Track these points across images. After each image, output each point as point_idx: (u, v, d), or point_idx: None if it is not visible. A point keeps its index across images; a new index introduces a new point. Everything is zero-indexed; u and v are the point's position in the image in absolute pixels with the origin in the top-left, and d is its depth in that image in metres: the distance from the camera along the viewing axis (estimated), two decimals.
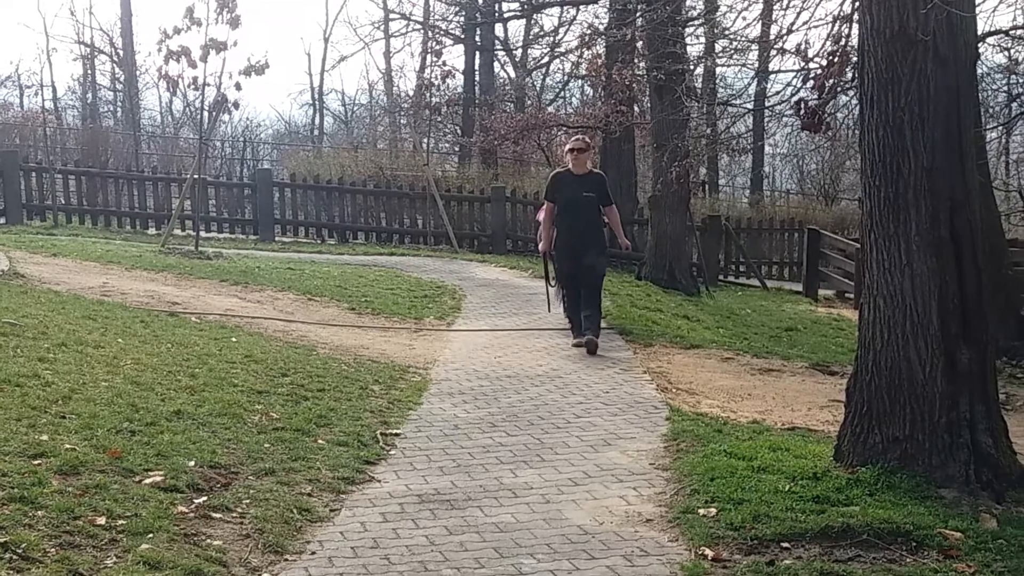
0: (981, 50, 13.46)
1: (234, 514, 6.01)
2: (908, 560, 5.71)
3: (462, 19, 32.32)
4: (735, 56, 16.55)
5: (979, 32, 11.41)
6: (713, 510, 6.32)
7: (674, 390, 10.17)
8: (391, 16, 38.22)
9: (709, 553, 5.72)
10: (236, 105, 18.52)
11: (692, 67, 16.55)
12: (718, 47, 18.08)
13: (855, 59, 7.73)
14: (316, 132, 46.47)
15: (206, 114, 21.16)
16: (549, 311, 13.41)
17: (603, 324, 12.39)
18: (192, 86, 18.15)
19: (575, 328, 12.01)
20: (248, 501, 6.20)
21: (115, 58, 44.16)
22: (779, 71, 13.46)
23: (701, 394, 10.20)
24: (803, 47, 10.30)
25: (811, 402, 10.18)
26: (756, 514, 6.16)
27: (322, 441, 7.53)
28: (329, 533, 5.98)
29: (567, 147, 12.52)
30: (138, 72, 43.07)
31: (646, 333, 13.09)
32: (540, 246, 12.85)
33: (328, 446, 7.43)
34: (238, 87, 17.71)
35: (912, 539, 5.91)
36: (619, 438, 8.15)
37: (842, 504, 6.33)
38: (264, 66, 17.46)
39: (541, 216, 12.73)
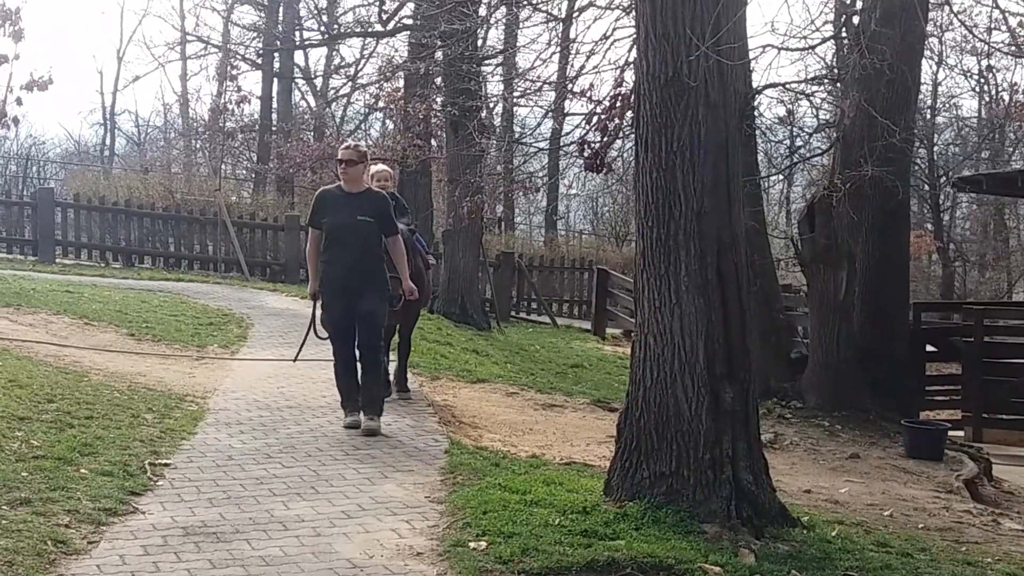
0: (763, 104, 14.05)
1: None
2: None
3: (260, 45, 31.92)
4: (530, 96, 16.80)
5: (757, 85, 11.89)
6: (484, 543, 6.33)
7: (457, 423, 10.18)
8: (188, 38, 37.47)
9: None
10: (16, 121, 17.73)
11: (488, 104, 16.73)
12: (515, 86, 18.36)
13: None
14: (107, 153, 45.02)
15: None
16: (294, 360, 10.72)
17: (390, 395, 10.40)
18: None
19: (346, 403, 9.48)
20: None
21: None
22: (570, 113, 13.73)
23: (483, 428, 10.25)
24: (589, 90, 10.55)
25: (590, 437, 10.35)
26: (525, 547, 6.20)
27: (85, 471, 7.23)
28: (84, 566, 5.73)
29: (337, 157, 9.59)
30: None
31: (433, 366, 13.09)
32: (309, 287, 9.74)
33: (91, 476, 7.13)
34: (19, 102, 16.99)
35: (674, 572, 6.05)
36: (397, 471, 8.10)
37: (609, 538, 6.43)
38: (48, 82, 16.77)
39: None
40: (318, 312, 9.50)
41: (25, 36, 16.19)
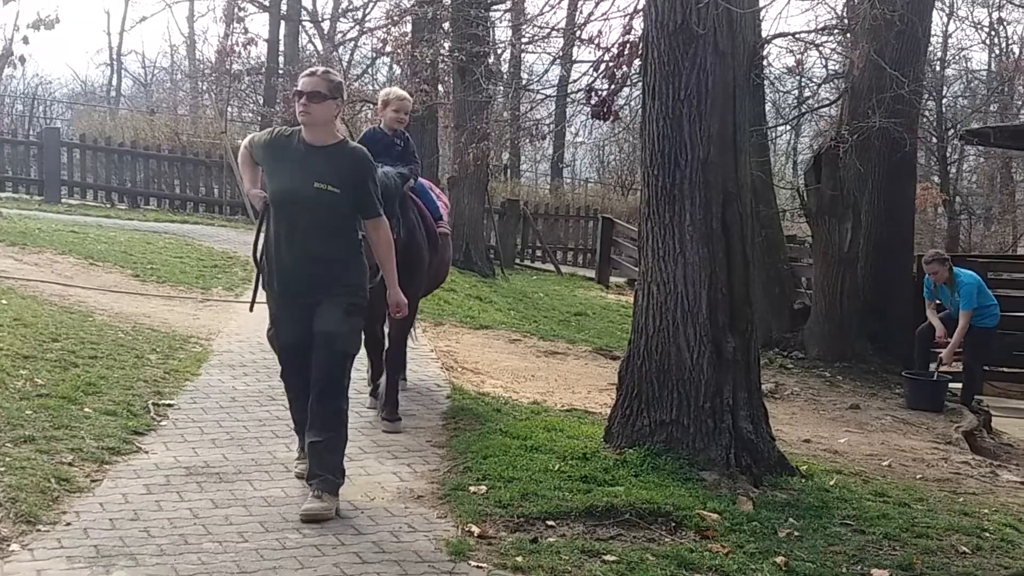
0: (772, 54, 13.98)
1: None
2: (667, 539, 5.89)
3: None
4: (538, 42, 16.70)
5: (766, 35, 11.83)
6: (484, 488, 6.37)
7: (459, 369, 10.23)
8: None
9: (476, 530, 5.76)
10: (23, 60, 17.67)
11: (496, 50, 16.65)
12: (523, 32, 18.24)
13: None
14: (113, 94, 44.83)
15: None
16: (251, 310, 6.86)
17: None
18: None
19: (301, 436, 6.46)
20: (2, 469, 5.94)
21: None
22: (577, 60, 13.65)
23: (486, 374, 10.30)
24: (597, 37, 10.49)
25: (592, 385, 10.41)
26: (525, 492, 6.24)
27: (89, 410, 7.27)
28: (88, 504, 5.78)
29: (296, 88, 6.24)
30: None
31: (437, 312, 13.12)
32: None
33: (95, 415, 7.17)
34: (25, 41, 16.92)
35: (672, 519, 6.09)
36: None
37: (608, 484, 6.48)
38: (54, 20, 16.68)
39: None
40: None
41: None
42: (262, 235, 6.24)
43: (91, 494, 5.95)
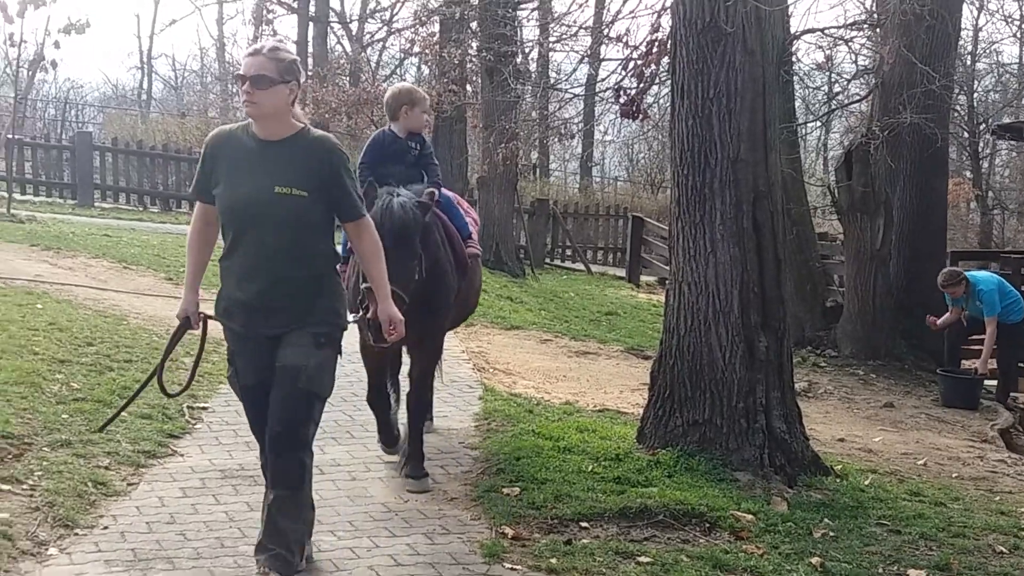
0: (800, 50, 13.94)
1: (24, 486, 5.79)
2: (701, 540, 5.88)
3: None
4: (566, 41, 16.67)
5: (795, 31, 11.77)
6: (517, 489, 6.38)
7: (491, 370, 10.23)
8: None
9: (509, 531, 5.77)
10: (55, 64, 17.86)
11: (524, 50, 16.65)
12: (551, 31, 18.26)
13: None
14: (144, 97, 45.14)
15: (23, 72, 20.33)
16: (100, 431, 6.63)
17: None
18: (9, 42, 17.45)
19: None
20: (40, 473, 5.99)
21: None
22: (606, 59, 13.64)
23: (517, 375, 10.30)
24: (625, 36, 10.47)
25: (623, 385, 10.39)
26: (558, 494, 6.25)
27: (124, 413, 7.31)
28: (124, 507, 5.82)
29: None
30: None
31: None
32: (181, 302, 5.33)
33: (131, 418, 7.20)
34: (57, 45, 17.08)
35: (706, 520, 6.09)
36: (432, 417, 8.15)
37: (641, 485, 6.47)
38: (85, 24, 16.84)
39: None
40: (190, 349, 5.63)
41: None
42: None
43: (128, 498, 5.99)
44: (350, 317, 5.44)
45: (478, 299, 7.97)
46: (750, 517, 6.14)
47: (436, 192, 6.61)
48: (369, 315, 5.57)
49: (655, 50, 9.39)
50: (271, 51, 4.82)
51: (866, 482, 7.22)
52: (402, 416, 7.02)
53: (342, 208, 4.92)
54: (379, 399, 7.00)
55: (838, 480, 7.06)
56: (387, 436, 7.05)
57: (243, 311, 4.93)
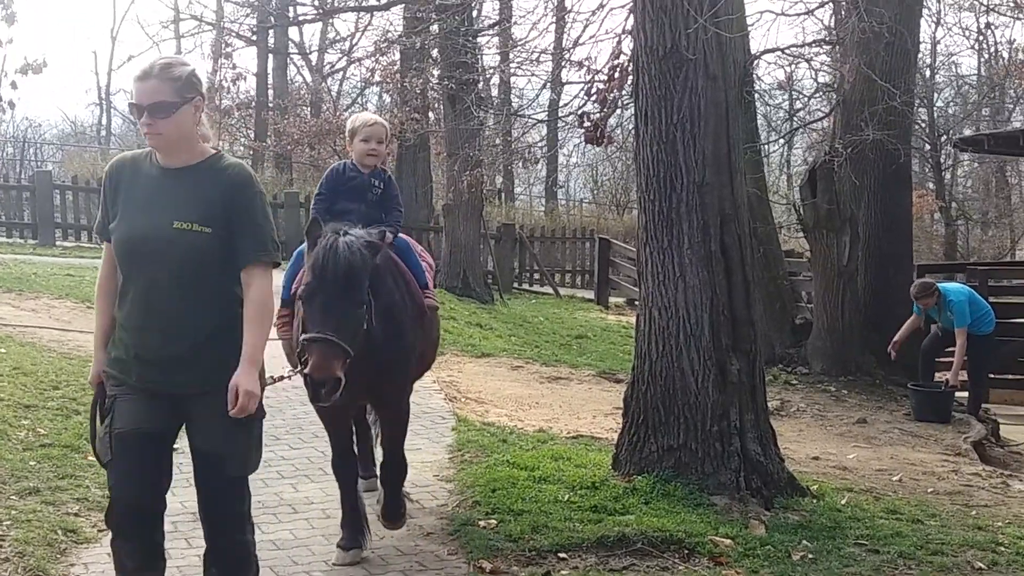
0: (761, 68, 14.00)
1: None
2: (680, 567, 5.85)
3: (254, 21, 31.78)
4: (526, 66, 16.70)
5: (755, 51, 11.83)
6: (493, 522, 6.34)
7: (463, 399, 10.18)
8: (181, 16, 37.34)
9: (487, 566, 5.72)
10: (12, 104, 17.67)
11: (485, 76, 16.67)
12: (512, 57, 18.31)
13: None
14: (104, 133, 44.93)
15: None
16: None
17: None
18: None
19: None
20: (9, 522, 5.90)
21: None
22: (568, 83, 13.66)
23: (490, 403, 10.25)
24: (588, 61, 10.48)
25: (596, 409, 10.36)
26: (535, 525, 6.21)
27: (92, 458, 7.21)
28: (95, 555, 5.73)
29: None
30: None
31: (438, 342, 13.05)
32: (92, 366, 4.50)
33: (96, 464, 7.11)
34: (14, 86, 16.92)
35: (684, 546, 6.05)
36: (405, 450, 8.07)
37: (618, 513, 6.44)
38: (42, 65, 16.69)
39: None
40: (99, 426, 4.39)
41: (18, 19, 16.13)
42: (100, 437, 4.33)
43: (98, 544, 5.90)
44: (286, 372, 5.18)
45: (435, 354, 7.12)
46: (728, 542, 6.10)
47: (390, 233, 6.08)
48: (307, 369, 5.01)
49: (617, 75, 9.41)
50: (163, 70, 4.14)
51: (843, 501, 7.20)
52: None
53: (242, 246, 4.15)
54: (341, 465, 6.08)
55: (815, 500, 7.05)
56: (350, 524, 5.95)
57: (138, 365, 4.18)
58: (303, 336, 5.15)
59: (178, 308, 4.12)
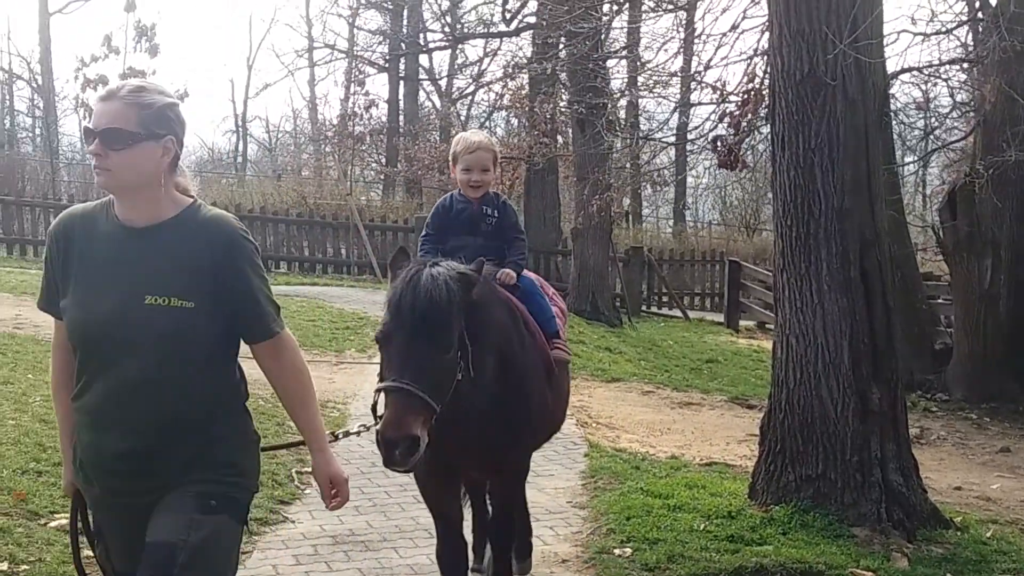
0: (896, 87, 13.73)
1: None
2: None
3: (386, 49, 32.34)
4: (656, 89, 16.66)
5: (891, 70, 11.61)
6: (628, 550, 6.31)
7: (594, 425, 10.17)
8: (315, 45, 38.20)
9: None
10: None
11: (614, 100, 16.63)
12: (640, 80, 18.32)
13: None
14: (239, 159, 46.11)
15: None
16: None
17: None
18: None
19: None
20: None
21: (34, 84, 43.48)
22: (699, 104, 13.57)
23: (621, 428, 10.22)
24: (720, 83, 10.41)
25: (729, 436, 10.25)
26: (671, 554, 6.16)
27: None
28: None
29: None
30: (57, 99, 42.41)
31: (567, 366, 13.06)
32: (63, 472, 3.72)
33: None
34: None
35: None
36: (538, 475, 8.07)
37: (756, 543, 6.36)
38: (184, 95, 17.32)
39: None
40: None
41: (160, 51, 16.73)
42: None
43: (242, 567, 5.99)
44: (353, 428, 4.59)
45: (565, 414, 5.97)
46: (870, 575, 5.98)
47: (516, 263, 5.35)
48: (379, 427, 4.13)
49: (751, 99, 9.33)
50: (133, 93, 3.29)
51: (988, 534, 7.00)
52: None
53: (248, 324, 3.41)
54: (445, 553, 5.04)
55: (958, 533, 6.86)
56: None
57: (101, 473, 3.37)
58: (378, 385, 4.32)
59: (148, 403, 3.27)
